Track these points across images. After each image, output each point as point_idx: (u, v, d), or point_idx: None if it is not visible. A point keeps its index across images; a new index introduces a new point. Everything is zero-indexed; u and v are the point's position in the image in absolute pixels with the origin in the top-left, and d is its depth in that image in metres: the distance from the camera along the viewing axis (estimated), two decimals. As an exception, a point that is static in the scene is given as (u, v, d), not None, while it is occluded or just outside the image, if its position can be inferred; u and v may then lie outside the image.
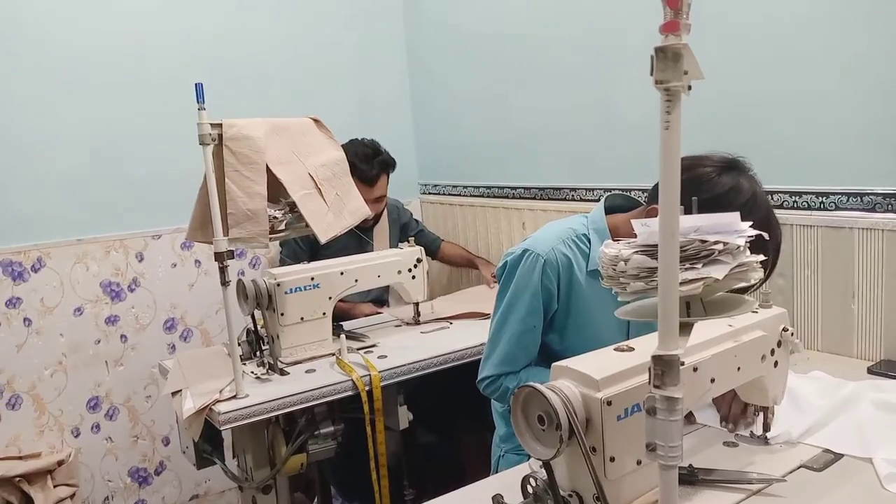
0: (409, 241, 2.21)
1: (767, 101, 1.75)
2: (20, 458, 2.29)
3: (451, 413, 2.29)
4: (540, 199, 2.55)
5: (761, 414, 1.18)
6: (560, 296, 1.42)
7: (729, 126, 1.82)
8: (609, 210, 1.46)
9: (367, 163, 2.35)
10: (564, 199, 2.44)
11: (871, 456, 1.11)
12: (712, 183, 1.21)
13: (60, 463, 2.32)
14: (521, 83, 2.55)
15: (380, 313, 2.41)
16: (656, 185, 1.28)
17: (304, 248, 2.42)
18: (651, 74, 0.64)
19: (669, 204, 0.66)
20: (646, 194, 1.50)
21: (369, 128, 2.93)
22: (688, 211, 0.83)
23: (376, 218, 2.50)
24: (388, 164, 2.43)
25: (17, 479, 2.21)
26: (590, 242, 1.42)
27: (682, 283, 0.73)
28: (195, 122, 1.57)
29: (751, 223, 0.81)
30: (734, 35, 1.79)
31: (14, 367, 2.35)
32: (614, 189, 2.24)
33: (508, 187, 2.70)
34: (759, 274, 0.81)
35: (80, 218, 2.44)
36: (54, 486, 2.29)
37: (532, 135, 2.55)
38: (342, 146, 2.34)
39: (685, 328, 0.74)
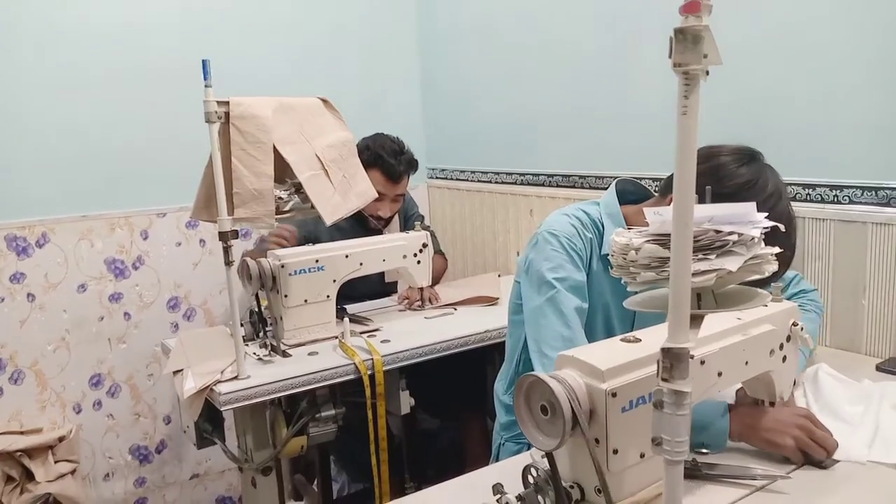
0: (416, 226, 2.19)
1: (783, 91, 1.72)
2: (21, 433, 2.29)
3: (454, 400, 2.28)
4: (549, 185, 2.53)
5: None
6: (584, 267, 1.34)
7: (743, 116, 1.79)
8: (619, 196, 1.41)
9: (395, 158, 2.28)
10: (573, 187, 2.42)
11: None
12: (733, 174, 1.18)
13: (62, 439, 2.32)
14: (533, 68, 2.52)
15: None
16: (671, 175, 1.25)
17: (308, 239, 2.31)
18: (669, 57, 0.62)
19: (684, 192, 0.64)
20: (657, 184, 1.47)
21: (377, 110, 2.93)
22: (701, 200, 0.81)
23: (390, 217, 2.39)
24: (412, 165, 2.36)
25: (18, 453, 2.22)
26: (603, 227, 1.37)
27: (694, 275, 0.71)
28: (202, 100, 1.55)
29: (772, 216, 0.78)
30: (750, 23, 1.75)
31: (17, 343, 2.35)
32: (625, 177, 2.21)
33: (517, 173, 2.68)
34: (774, 266, 0.79)
35: (85, 194, 2.43)
36: (55, 462, 2.29)
37: (542, 121, 2.52)
38: (367, 138, 2.34)
39: (696, 320, 0.72)
